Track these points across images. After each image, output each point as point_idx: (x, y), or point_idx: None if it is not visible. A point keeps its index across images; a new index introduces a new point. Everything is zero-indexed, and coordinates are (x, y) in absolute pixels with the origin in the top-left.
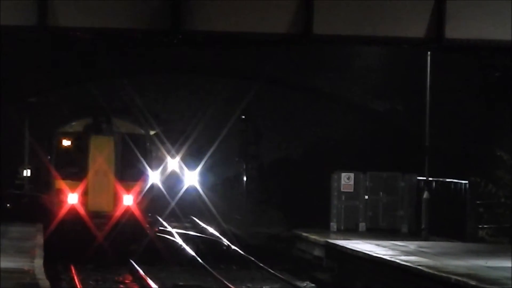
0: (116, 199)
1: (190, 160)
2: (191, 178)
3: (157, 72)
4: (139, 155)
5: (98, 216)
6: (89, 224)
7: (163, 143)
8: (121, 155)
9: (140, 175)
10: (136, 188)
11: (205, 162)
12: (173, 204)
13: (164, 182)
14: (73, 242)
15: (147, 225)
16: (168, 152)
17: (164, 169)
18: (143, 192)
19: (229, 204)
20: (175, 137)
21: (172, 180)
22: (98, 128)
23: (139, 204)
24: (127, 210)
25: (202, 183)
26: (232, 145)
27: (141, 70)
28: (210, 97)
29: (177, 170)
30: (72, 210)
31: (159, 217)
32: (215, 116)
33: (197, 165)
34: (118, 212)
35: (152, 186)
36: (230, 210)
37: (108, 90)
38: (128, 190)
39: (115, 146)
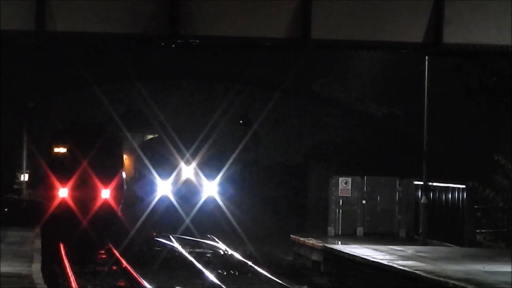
0: (96, 193)
1: (207, 167)
2: (210, 188)
3: (161, 77)
4: (116, 157)
5: (83, 206)
6: (76, 212)
7: (177, 148)
8: (101, 158)
9: (116, 174)
10: (112, 184)
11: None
12: (187, 221)
13: (176, 193)
14: (64, 227)
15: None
16: (182, 158)
17: (178, 177)
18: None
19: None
20: (188, 143)
21: (187, 190)
22: (82, 137)
23: (115, 197)
24: (105, 202)
25: (222, 193)
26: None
27: (144, 74)
28: (216, 102)
29: (193, 178)
30: (63, 202)
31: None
32: (233, 122)
33: (216, 174)
34: (98, 203)
35: (161, 199)
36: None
37: (110, 94)
38: (105, 185)
39: (96, 151)
